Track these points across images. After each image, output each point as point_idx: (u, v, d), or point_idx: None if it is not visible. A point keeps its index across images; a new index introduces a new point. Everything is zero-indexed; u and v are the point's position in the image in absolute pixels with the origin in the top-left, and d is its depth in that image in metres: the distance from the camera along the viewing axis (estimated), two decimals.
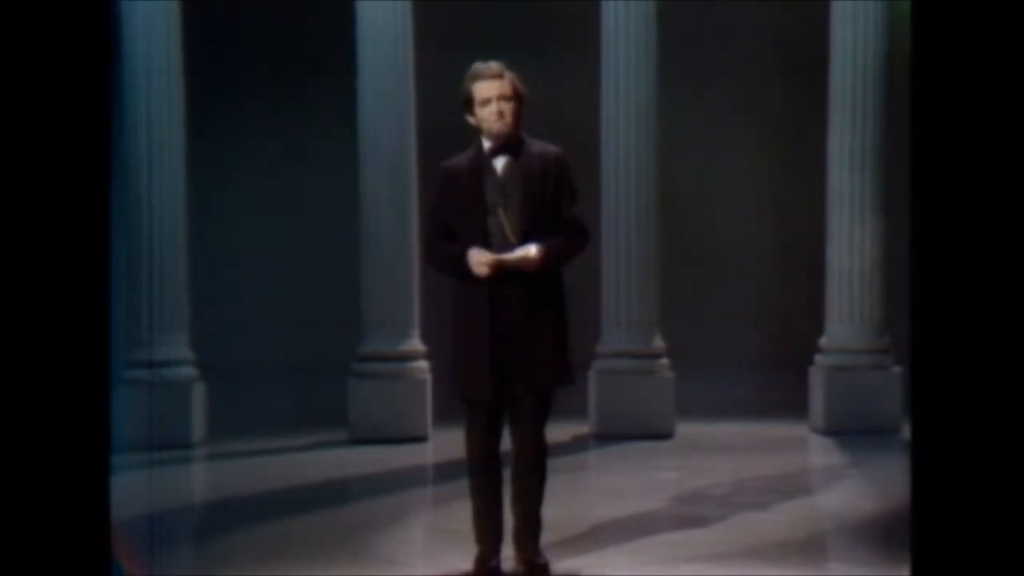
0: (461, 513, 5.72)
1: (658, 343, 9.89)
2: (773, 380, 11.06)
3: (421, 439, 9.45)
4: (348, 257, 10.06)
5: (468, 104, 5.26)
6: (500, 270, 5.12)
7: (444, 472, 8.23)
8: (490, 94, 5.21)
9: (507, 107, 5.22)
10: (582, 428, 9.71)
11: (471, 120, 5.29)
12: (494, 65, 5.28)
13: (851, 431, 9.40)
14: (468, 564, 5.53)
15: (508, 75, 5.27)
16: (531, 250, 5.14)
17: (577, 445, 9.36)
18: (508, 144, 5.28)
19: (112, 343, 3.72)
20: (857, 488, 7.87)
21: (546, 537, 5.55)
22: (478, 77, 5.24)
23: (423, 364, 9.72)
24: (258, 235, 12.12)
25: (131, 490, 7.36)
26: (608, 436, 9.54)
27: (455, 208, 5.28)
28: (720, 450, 9.14)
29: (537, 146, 5.34)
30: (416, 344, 9.76)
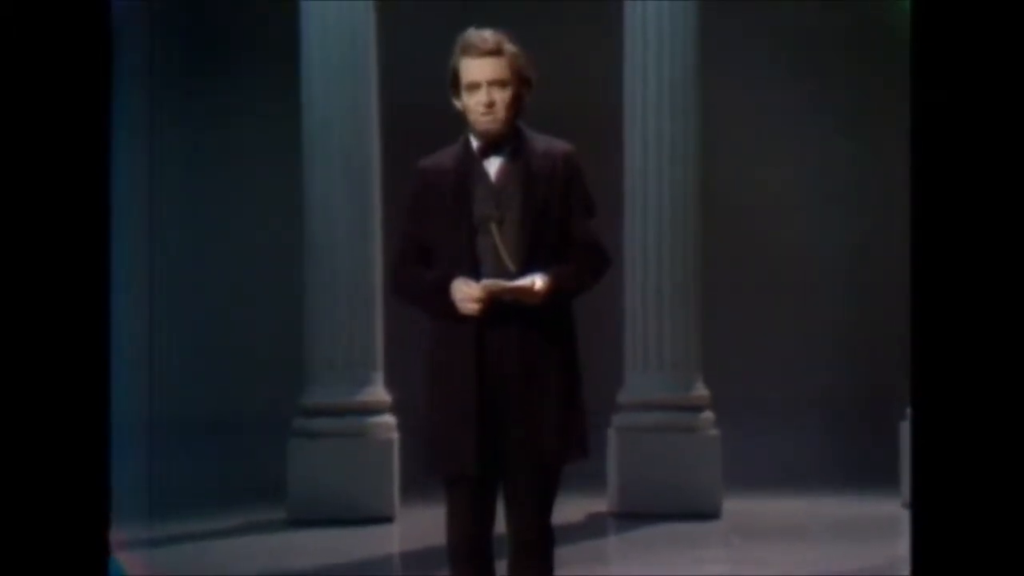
0: None
1: (699, 390, 9.98)
2: (852, 438, 11.16)
3: (386, 519, 9.59)
4: (289, 280, 10.17)
5: (454, 85, 5.15)
6: (493, 301, 5.00)
7: (417, 563, 8.45)
8: (479, 77, 5.09)
9: (500, 97, 5.10)
10: (599, 504, 9.79)
11: (457, 105, 5.18)
12: (489, 36, 5.12)
13: None
14: None
15: (508, 51, 5.10)
16: (536, 281, 5.02)
17: (593, 527, 9.46)
18: (503, 141, 5.18)
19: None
20: None
21: None
22: (466, 51, 5.10)
23: (388, 419, 9.82)
24: (173, 251, 12.08)
25: None
26: (633, 515, 9.59)
27: (434, 222, 5.17)
28: (782, 534, 9.23)
29: (541, 143, 5.22)
30: (379, 392, 9.88)
